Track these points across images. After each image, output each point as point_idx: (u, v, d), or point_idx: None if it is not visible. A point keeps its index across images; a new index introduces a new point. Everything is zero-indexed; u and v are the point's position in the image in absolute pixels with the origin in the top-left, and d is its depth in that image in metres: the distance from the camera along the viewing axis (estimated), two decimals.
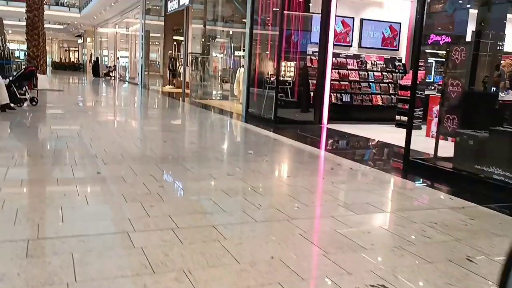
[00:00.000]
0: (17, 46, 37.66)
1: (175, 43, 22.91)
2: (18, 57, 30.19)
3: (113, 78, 31.28)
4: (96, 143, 6.45)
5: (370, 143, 8.16)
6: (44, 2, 16.40)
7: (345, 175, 5.42)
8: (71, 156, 5.55)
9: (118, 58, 33.18)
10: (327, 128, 9.64)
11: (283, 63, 10.90)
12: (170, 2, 18.57)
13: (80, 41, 49.80)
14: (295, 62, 10.85)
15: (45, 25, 30.67)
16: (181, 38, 20.79)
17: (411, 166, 5.74)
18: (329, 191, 4.47)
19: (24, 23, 15.60)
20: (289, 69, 11.11)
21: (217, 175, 4.88)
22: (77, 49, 54.74)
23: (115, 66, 32.90)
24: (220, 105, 14.21)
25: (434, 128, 8.74)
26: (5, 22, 26.95)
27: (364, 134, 8.90)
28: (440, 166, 5.45)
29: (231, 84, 15.84)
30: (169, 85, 21.89)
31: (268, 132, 8.78)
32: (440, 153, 5.82)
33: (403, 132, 9.55)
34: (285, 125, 9.75)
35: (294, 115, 10.59)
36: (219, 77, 18.12)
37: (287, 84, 11.00)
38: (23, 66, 18.11)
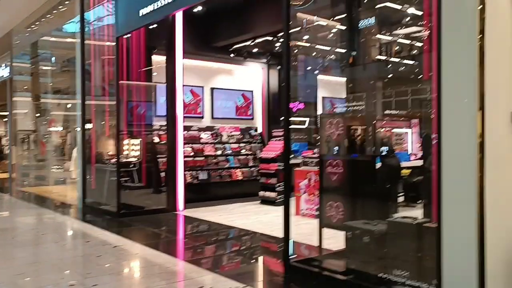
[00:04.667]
0: None
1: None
2: None
3: None
4: None
5: (238, 236, 6.79)
6: None
7: None
8: None
9: None
10: (184, 217, 8.04)
11: (125, 141, 9.22)
12: None
13: None
14: (140, 139, 9.23)
15: None
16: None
17: (294, 273, 4.42)
18: None
19: None
20: (133, 147, 9.43)
21: None
22: None
23: None
24: (55, 192, 11.65)
25: (303, 205, 7.79)
26: None
27: (228, 220, 7.53)
28: (332, 273, 4.21)
29: (69, 165, 13.45)
30: None
31: (109, 233, 6.77)
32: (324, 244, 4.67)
33: (270, 211, 8.60)
34: (132, 217, 7.86)
35: (143, 203, 8.78)
36: (54, 158, 15.43)
37: (131, 165, 9.26)
38: None
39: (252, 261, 5.45)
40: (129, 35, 8.27)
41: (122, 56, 8.02)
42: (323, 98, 12.34)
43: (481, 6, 2.90)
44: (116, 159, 8.12)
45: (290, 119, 4.56)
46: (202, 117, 10.79)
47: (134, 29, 7.69)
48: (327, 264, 4.43)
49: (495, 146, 3.00)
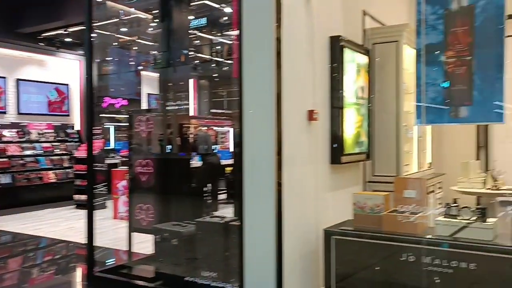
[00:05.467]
0: None
1: None
2: None
3: None
4: None
5: (42, 248, 6.06)
6: None
7: None
8: None
9: None
10: None
11: None
12: None
13: None
14: None
15: None
16: None
17: (99, 285, 4.05)
18: None
19: None
20: None
21: None
22: None
23: None
24: None
25: (121, 208, 7.37)
26: None
27: (33, 229, 6.72)
28: (139, 280, 3.97)
29: None
30: None
31: None
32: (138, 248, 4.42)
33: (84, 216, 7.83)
34: None
35: None
36: None
37: None
38: None
39: (53, 276, 4.87)
40: None
41: None
42: (148, 94, 11.97)
43: (278, 14, 3.00)
44: None
45: (93, 116, 4.15)
46: (5, 113, 9.41)
47: None
48: (136, 271, 4.17)
49: (292, 143, 3.13)
